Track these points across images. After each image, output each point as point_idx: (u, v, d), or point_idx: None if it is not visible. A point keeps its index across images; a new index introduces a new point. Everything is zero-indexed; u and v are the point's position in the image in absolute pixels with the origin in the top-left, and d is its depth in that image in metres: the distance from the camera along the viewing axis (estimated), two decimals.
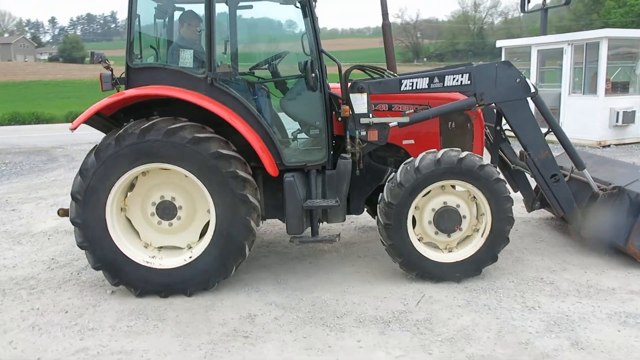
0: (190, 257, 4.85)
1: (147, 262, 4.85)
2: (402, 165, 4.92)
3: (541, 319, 4.24)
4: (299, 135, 5.25)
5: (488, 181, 4.81)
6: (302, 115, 5.16)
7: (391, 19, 5.75)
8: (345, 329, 4.21)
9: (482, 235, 4.97)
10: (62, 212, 5.42)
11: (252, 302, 4.72)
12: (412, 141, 5.39)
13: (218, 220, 4.75)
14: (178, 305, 4.68)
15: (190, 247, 4.99)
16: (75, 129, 4.64)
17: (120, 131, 4.58)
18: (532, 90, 5.11)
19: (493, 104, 5.20)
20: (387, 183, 4.94)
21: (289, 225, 4.86)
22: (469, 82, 5.09)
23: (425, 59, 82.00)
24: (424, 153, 4.89)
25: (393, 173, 5.03)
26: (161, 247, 5.06)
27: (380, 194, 4.96)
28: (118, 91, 4.82)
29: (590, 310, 4.36)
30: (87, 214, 4.69)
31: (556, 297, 4.65)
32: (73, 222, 4.71)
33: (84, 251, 4.81)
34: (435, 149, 4.97)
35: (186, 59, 4.82)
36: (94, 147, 4.67)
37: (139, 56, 4.91)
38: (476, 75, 5.07)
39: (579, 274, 5.10)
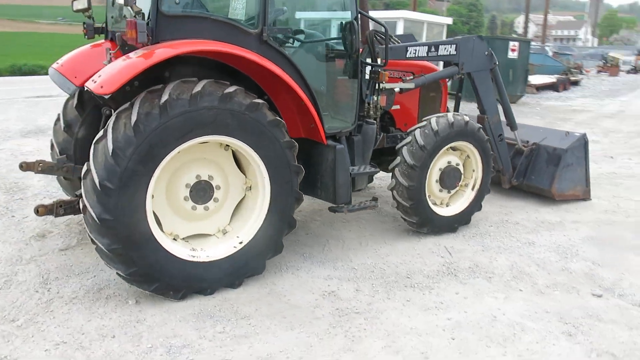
0: (240, 243, 4.22)
1: (193, 257, 4.04)
2: (418, 129, 5.19)
3: (546, 248, 5.21)
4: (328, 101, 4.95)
5: (482, 141, 5.50)
6: (335, 80, 4.88)
7: None
8: (424, 286, 4.40)
9: (472, 189, 5.66)
10: (43, 210, 4.03)
11: (319, 281, 4.43)
12: (398, 107, 5.66)
13: (273, 196, 4.25)
14: (246, 299, 4.07)
15: (225, 232, 4.32)
16: (113, 92, 3.48)
17: (164, 96, 3.62)
18: (495, 62, 5.97)
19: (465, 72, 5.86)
20: (405, 146, 5.15)
21: (338, 195, 4.63)
22: (455, 52, 5.62)
23: None
24: (434, 117, 5.25)
25: (405, 136, 5.28)
26: (187, 238, 4.24)
27: (398, 157, 5.16)
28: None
29: (554, 238, 5.54)
30: (122, 207, 3.62)
31: (532, 231, 5.70)
32: (101, 220, 3.57)
33: (97, 256, 3.76)
34: (442, 113, 5.39)
35: (237, 9, 4.03)
36: (116, 118, 3.60)
37: (177, 1, 3.87)
38: (461, 46, 5.64)
39: (530, 213, 6.29)
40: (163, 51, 3.62)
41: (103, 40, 4.97)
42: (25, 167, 4.69)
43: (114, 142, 3.55)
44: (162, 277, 3.87)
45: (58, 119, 5.07)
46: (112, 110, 3.88)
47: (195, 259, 4.03)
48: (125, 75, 3.49)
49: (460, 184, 5.59)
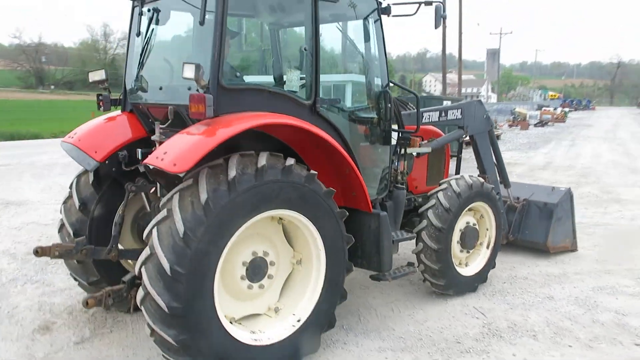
0: (298, 321, 4.01)
1: (255, 340, 3.77)
2: (441, 192, 5.30)
3: (567, 302, 5.39)
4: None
5: (495, 200, 5.71)
6: (371, 148, 4.89)
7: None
8: (479, 350, 4.37)
9: (487, 248, 5.81)
10: (93, 303, 3.68)
11: (373, 354, 4.27)
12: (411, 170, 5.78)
13: (328, 268, 4.11)
14: None
15: (278, 310, 4.10)
16: (188, 170, 3.28)
17: (231, 172, 3.46)
18: (492, 124, 6.30)
19: (469, 135, 6.14)
20: (430, 209, 5.22)
21: (383, 262, 4.55)
22: (460, 116, 5.89)
23: (52, 87, 75.00)
24: (453, 180, 5.40)
25: (419, 199, 5.39)
26: (241, 319, 3.98)
27: (424, 220, 5.21)
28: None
29: (567, 291, 5.77)
30: (193, 293, 3.35)
31: (544, 285, 5.90)
32: (170, 309, 3.26)
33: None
34: (458, 175, 5.55)
35: (293, 81, 3.98)
36: (180, 197, 3.40)
37: (237, 74, 3.76)
38: (465, 110, 5.92)
39: (532, 267, 6.51)
40: (236, 126, 3.48)
41: (118, 112, 4.73)
42: (40, 252, 4.23)
43: (184, 222, 3.30)
44: None
45: (69, 197, 4.67)
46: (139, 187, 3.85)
47: (258, 343, 3.76)
48: (200, 152, 3.31)
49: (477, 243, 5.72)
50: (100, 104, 4.73)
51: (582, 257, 6.92)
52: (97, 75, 4.70)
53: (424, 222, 5.23)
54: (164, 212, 3.43)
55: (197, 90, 3.56)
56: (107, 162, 4.42)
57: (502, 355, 4.29)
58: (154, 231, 3.39)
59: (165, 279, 3.29)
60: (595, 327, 4.82)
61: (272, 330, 3.93)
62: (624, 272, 6.33)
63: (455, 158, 6.52)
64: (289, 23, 4.78)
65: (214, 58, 3.61)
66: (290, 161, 3.77)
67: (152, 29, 4.35)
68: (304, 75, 4.15)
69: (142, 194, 4.54)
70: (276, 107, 3.92)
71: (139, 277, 3.54)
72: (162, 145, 3.56)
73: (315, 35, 4.06)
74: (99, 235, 4.51)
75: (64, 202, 4.71)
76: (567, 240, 7.02)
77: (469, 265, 5.73)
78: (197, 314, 3.38)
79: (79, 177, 4.70)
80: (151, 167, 3.46)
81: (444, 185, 5.40)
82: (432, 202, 5.30)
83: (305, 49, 4.08)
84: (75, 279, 4.85)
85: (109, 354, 4.25)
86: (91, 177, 4.58)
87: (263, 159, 3.62)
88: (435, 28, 4.64)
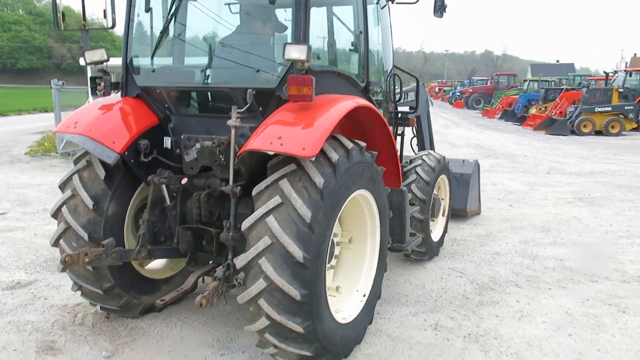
0: (364, 296, 4.14)
1: (344, 319, 3.82)
2: (419, 167, 5.80)
3: (513, 255, 6.39)
4: None
5: (450, 173, 6.43)
6: None
7: None
8: (494, 301, 5.03)
9: (443, 215, 6.51)
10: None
11: (407, 318, 4.61)
12: None
13: (382, 246, 4.31)
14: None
15: (339, 288, 4.17)
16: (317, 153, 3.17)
17: (333, 155, 3.45)
18: (430, 104, 7.01)
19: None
20: (413, 184, 5.69)
21: (404, 235, 4.85)
22: (414, 98, 6.44)
23: None
24: (423, 155, 5.95)
25: (410, 175, 5.83)
26: None
27: (410, 194, 5.66)
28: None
29: (504, 247, 6.83)
30: (316, 278, 3.31)
31: (483, 244, 6.85)
32: (302, 297, 3.20)
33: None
34: (425, 151, 6.11)
35: (354, 64, 3.97)
36: (290, 183, 3.33)
37: (319, 56, 3.63)
38: (419, 92, 6.48)
39: (463, 230, 7.44)
40: (345, 104, 3.45)
41: (115, 97, 4.19)
42: (69, 261, 3.59)
43: (308, 208, 3.20)
44: (331, 348, 3.57)
45: (71, 197, 3.98)
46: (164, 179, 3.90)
47: (346, 321, 3.81)
48: (325, 134, 3.23)
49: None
50: (101, 87, 4.11)
51: (489, 218, 8.15)
52: (96, 55, 4.06)
53: (410, 196, 5.67)
54: (276, 200, 3.25)
55: (288, 72, 3.43)
56: (126, 153, 3.90)
57: (509, 302, 5.00)
58: (272, 220, 3.21)
59: (293, 267, 3.16)
60: (553, 272, 5.86)
61: (347, 308, 3.99)
62: (530, 227, 7.67)
63: (414, 136, 7.05)
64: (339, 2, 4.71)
65: (299, 38, 3.48)
66: (362, 143, 3.85)
67: (180, 5, 3.96)
68: (357, 58, 4.21)
69: (164, 186, 4.11)
70: (341, 89, 3.94)
71: (235, 270, 3.33)
72: (262, 129, 3.33)
73: (365, 17, 4.14)
74: (112, 236, 3.96)
75: (63, 204, 4.00)
76: (476, 205, 8.18)
77: (433, 232, 6.37)
78: (317, 299, 3.32)
79: (79, 172, 4.03)
80: (267, 152, 3.23)
81: (419, 161, 5.91)
82: (413, 177, 5.77)
83: (361, 32, 4.13)
84: (81, 288, 4.16)
85: None
86: (100, 171, 3.97)
87: (346, 141, 3.64)
88: (435, 15, 5.01)
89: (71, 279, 4.15)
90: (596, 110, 22.71)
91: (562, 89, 27.66)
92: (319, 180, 3.27)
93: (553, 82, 34.43)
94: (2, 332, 4.26)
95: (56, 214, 4.04)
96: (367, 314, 4.11)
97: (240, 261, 3.28)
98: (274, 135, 3.25)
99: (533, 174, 12.43)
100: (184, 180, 4.03)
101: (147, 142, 3.96)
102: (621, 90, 23.99)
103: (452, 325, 4.52)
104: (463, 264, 6.06)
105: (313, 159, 3.25)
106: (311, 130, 3.26)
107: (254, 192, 3.39)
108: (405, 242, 4.94)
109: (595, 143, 19.56)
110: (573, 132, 22.38)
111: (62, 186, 4.08)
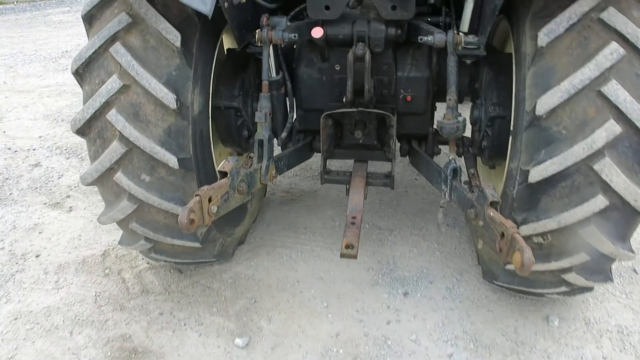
0: None
1: None
2: None
3: None
4: None
5: None
6: None
7: None
8: None
9: None
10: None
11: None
12: None
13: None
14: None
15: None
16: None
17: None
18: None
19: None
20: None
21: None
22: None
23: None
24: None
25: None
26: None
27: None
28: None
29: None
30: None
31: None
32: None
33: None
34: None
35: None
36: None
37: None
38: None
39: None
40: None
41: None
42: (197, 219, 2.09)
43: None
44: None
45: (123, 90, 2.32)
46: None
47: None
48: None
49: None
50: None
51: None
52: None
53: None
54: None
55: None
56: None
57: None
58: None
59: None
60: None
61: None
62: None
63: None
64: None
65: None
66: None
67: None
68: None
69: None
70: None
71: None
72: None
73: None
74: (203, 150, 2.66)
75: (109, 106, 2.37)
76: None
77: None
78: None
79: (123, 40, 2.33)
80: None
81: None
82: None
83: None
84: (156, 246, 2.74)
85: None
86: (174, 33, 2.31)
87: None
88: None
89: (142, 234, 2.60)
90: None
91: None
92: None
93: None
94: None
95: (84, 130, 2.42)
96: None
97: None
98: None
99: None
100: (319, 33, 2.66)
101: None
102: None
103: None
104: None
105: None
106: None
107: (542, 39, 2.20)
108: None
109: None
110: None
111: (81, 73, 2.37)
